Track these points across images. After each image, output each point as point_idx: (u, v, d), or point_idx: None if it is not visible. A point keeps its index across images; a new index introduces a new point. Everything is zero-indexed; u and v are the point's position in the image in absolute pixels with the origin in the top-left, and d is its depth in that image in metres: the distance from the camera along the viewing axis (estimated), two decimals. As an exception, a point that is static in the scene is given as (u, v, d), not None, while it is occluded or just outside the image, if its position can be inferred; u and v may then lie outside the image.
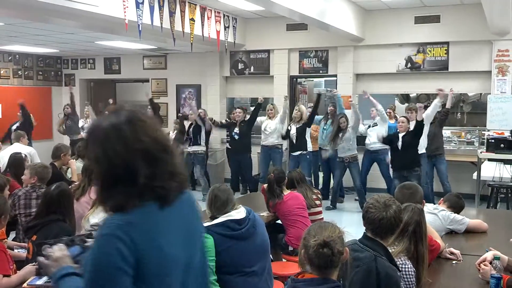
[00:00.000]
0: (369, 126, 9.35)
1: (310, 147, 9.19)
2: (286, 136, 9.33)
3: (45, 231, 3.78)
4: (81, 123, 11.20)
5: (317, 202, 5.61)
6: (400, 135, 7.90)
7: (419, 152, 8.09)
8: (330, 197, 9.30)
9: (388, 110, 9.58)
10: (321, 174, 10.01)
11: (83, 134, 10.67)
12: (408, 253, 3.05)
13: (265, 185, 5.39)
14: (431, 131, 8.61)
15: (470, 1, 9.01)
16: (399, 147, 7.86)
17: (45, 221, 3.87)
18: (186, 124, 10.32)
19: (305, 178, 5.77)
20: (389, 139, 8.10)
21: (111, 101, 11.24)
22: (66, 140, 11.17)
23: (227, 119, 9.94)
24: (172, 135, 10.37)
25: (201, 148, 9.84)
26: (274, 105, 9.83)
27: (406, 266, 2.96)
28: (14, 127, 10.20)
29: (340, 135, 8.77)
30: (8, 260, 3.51)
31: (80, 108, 12.22)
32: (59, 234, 3.67)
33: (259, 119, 9.70)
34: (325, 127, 9.42)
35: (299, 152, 9.09)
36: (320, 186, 9.75)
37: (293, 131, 9.13)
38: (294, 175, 5.63)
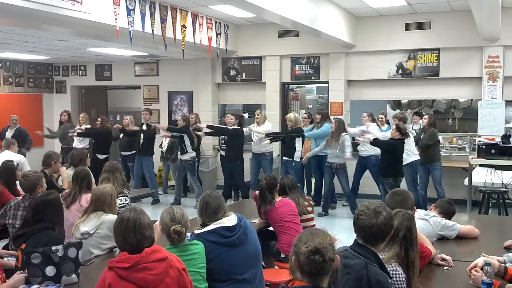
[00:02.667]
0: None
1: (298, 156, 9.12)
2: (270, 136, 9.29)
3: (34, 240, 3.76)
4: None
5: (309, 208, 5.60)
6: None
7: (405, 162, 8.29)
8: (322, 203, 9.30)
9: (380, 116, 9.62)
10: (313, 181, 10.01)
11: (76, 143, 10.61)
12: (398, 259, 3.05)
13: (257, 192, 5.38)
14: (422, 142, 8.74)
15: (460, 8, 9.07)
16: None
17: (34, 229, 3.85)
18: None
19: (297, 185, 5.76)
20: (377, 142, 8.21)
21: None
22: (57, 147, 11.13)
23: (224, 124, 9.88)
24: (165, 144, 10.31)
25: (189, 156, 9.78)
26: (261, 110, 9.82)
27: (397, 272, 2.96)
28: (7, 133, 10.14)
29: (333, 140, 8.77)
30: None
31: (73, 115, 12.12)
32: (49, 242, 3.66)
33: (246, 129, 9.68)
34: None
35: (285, 159, 9.12)
36: (313, 193, 9.74)
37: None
38: (286, 182, 5.62)
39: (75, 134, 10.33)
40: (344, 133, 8.84)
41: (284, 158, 9.22)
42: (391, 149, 7.95)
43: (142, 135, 10.16)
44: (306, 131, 9.33)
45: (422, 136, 8.93)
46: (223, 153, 10.25)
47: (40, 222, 3.88)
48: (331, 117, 9.39)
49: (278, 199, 5.28)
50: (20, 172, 6.09)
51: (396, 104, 11.80)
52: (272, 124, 9.64)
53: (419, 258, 3.53)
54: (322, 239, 2.37)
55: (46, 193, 4.12)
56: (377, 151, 9.11)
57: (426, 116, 9.16)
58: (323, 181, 9.45)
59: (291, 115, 9.29)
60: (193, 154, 9.80)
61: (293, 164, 9.05)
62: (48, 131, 11.55)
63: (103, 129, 10.27)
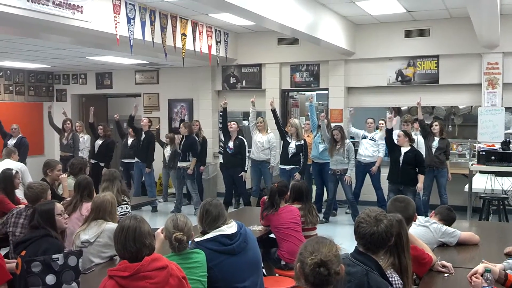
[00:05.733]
0: (363, 137, 9.36)
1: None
2: (283, 137, 9.26)
3: (34, 247, 3.75)
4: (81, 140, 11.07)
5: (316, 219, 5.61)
6: (403, 149, 7.91)
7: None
8: (323, 210, 9.29)
9: (380, 122, 9.62)
10: (314, 188, 10.00)
11: (84, 154, 10.66)
12: (394, 266, 3.04)
13: (266, 197, 5.40)
14: (426, 145, 8.68)
15: (459, 15, 9.10)
16: (400, 162, 7.87)
17: (34, 237, 3.85)
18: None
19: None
20: (393, 145, 8.04)
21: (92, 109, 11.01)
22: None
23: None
24: (168, 151, 10.28)
25: (189, 164, 9.81)
26: (264, 118, 9.82)
27: (396, 280, 2.95)
28: (10, 141, 10.14)
29: (338, 147, 8.76)
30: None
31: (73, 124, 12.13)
32: (48, 249, 3.66)
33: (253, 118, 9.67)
34: (319, 141, 9.37)
35: (291, 167, 9.06)
36: (313, 199, 9.71)
37: (292, 145, 9.03)
38: (304, 188, 5.57)
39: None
40: (347, 140, 8.86)
41: (288, 167, 9.10)
42: (420, 159, 7.93)
43: (141, 143, 10.17)
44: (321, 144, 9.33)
45: (434, 143, 8.73)
46: (222, 159, 10.24)
47: (39, 229, 3.88)
48: (332, 124, 9.39)
49: (283, 205, 5.30)
50: (19, 180, 6.11)
51: (396, 111, 11.80)
52: (274, 134, 9.61)
53: (420, 265, 3.53)
54: (328, 249, 2.34)
55: (47, 202, 4.13)
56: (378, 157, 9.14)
57: (436, 123, 8.94)
58: (326, 189, 9.44)
59: (295, 121, 9.29)
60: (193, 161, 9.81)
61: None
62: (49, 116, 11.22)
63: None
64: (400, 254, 3.07)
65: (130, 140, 10.44)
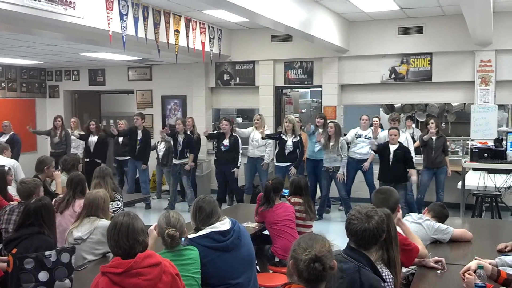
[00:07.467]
0: (358, 136, 9.36)
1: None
2: (267, 138, 9.33)
3: (26, 244, 3.73)
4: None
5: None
6: (392, 147, 7.95)
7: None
8: (316, 207, 9.29)
9: (374, 119, 9.63)
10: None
11: (79, 150, 10.64)
12: (383, 260, 3.05)
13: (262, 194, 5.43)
14: (424, 148, 8.77)
15: (452, 12, 9.12)
16: (390, 160, 7.92)
17: (25, 234, 3.83)
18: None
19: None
20: (380, 150, 8.16)
21: None
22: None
23: (218, 129, 10.01)
24: (162, 148, 10.25)
25: (187, 160, 9.81)
26: (261, 115, 9.81)
27: (387, 275, 2.96)
28: (2, 138, 10.10)
29: (331, 143, 8.75)
30: None
31: (66, 120, 12.08)
32: (40, 246, 3.65)
33: (246, 130, 9.70)
34: (315, 141, 9.35)
35: (288, 164, 9.06)
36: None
37: (289, 143, 9.02)
38: (303, 183, 5.62)
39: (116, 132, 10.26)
40: (342, 138, 8.86)
41: (284, 164, 9.09)
42: (408, 156, 8.01)
43: (138, 140, 10.16)
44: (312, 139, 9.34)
45: (433, 141, 8.68)
46: (215, 156, 10.23)
47: (31, 227, 3.86)
48: (328, 121, 9.37)
49: (278, 202, 5.33)
50: (12, 177, 6.09)
51: (389, 108, 11.81)
52: (270, 131, 9.66)
53: (404, 252, 3.48)
54: (321, 245, 2.36)
55: (38, 199, 4.11)
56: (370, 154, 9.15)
57: (432, 121, 8.80)
58: (319, 186, 9.44)
59: (292, 117, 9.30)
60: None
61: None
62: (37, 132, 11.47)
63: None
64: (389, 248, 3.07)
65: (121, 138, 10.43)
